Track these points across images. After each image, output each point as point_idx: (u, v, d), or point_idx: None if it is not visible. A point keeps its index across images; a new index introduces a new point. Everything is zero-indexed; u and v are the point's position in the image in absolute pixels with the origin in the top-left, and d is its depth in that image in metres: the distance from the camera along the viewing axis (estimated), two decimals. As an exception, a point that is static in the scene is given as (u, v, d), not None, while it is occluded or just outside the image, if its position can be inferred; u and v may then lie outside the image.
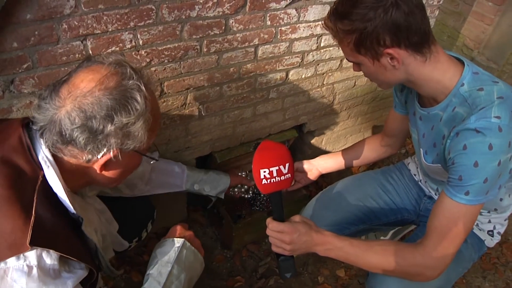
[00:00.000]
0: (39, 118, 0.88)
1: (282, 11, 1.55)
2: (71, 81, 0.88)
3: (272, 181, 1.19)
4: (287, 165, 1.20)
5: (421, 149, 1.35)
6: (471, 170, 1.05)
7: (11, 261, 0.80)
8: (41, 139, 0.90)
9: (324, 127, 2.22)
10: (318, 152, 2.37)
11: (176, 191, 1.66)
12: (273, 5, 1.50)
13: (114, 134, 0.87)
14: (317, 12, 1.64)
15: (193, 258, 1.19)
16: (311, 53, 1.78)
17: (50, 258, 0.85)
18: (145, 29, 1.29)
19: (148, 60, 1.37)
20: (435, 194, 1.53)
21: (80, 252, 0.94)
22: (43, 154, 0.90)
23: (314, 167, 1.69)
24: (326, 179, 2.37)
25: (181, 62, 1.46)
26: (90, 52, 1.24)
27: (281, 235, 1.18)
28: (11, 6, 1.02)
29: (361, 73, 1.21)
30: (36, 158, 0.89)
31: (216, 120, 1.74)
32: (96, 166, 0.93)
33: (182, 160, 1.76)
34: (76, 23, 1.16)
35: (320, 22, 1.68)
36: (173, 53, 1.41)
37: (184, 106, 1.59)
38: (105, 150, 0.89)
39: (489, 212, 1.40)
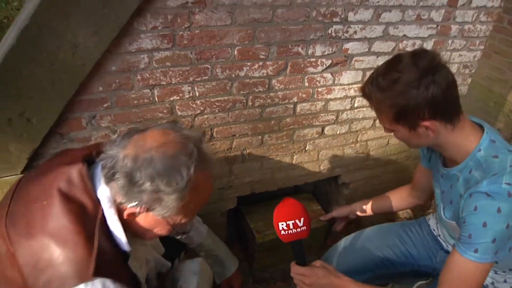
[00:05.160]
0: (108, 152, 0.98)
1: (319, 75, 1.81)
2: (145, 133, 0.99)
3: (289, 232, 1.35)
4: (302, 219, 1.36)
5: (441, 204, 1.47)
6: (480, 230, 1.14)
7: (81, 286, 0.90)
8: (102, 178, 1.00)
9: (359, 180, 2.39)
10: (353, 205, 2.53)
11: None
12: (310, 69, 1.77)
13: (147, 193, 0.94)
14: (351, 77, 1.89)
15: (209, 272, 1.46)
16: (345, 112, 2.01)
17: (112, 285, 0.94)
18: (201, 84, 1.60)
19: (202, 108, 1.66)
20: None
21: (129, 283, 1.03)
22: (104, 192, 0.99)
23: (354, 215, 1.88)
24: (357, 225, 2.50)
25: (229, 113, 1.74)
26: (156, 99, 1.55)
27: (302, 278, 1.32)
28: (103, 60, 1.36)
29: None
30: (95, 195, 0.99)
31: (257, 165, 1.98)
32: (125, 214, 1.00)
33: (224, 197, 2.01)
34: (148, 75, 1.48)
35: (353, 86, 1.92)
36: (223, 105, 1.70)
37: (229, 150, 1.86)
38: (134, 202, 0.96)
39: (504, 271, 1.46)
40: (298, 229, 1.36)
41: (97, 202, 0.98)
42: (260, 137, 1.89)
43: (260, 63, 1.66)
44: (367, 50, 1.84)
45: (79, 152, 1.09)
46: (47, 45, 1.23)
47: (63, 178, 0.99)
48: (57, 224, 0.92)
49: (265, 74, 1.70)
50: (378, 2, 1.71)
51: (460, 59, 2.17)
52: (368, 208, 1.87)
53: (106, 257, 0.94)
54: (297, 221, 1.36)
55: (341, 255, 1.77)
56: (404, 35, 1.89)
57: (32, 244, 0.91)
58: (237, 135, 1.83)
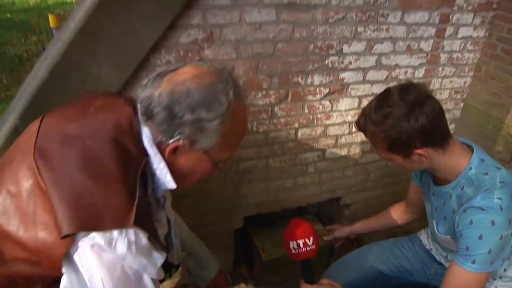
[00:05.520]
0: (141, 95, 0.98)
1: (318, 102, 1.97)
2: (176, 71, 0.99)
3: (299, 251, 1.48)
4: (311, 238, 1.49)
5: (434, 220, 1.58)
6: (477, 242, 1.24)
7: (115, 234, 0.87)
8: (145, 127, 0.97)
9: (360, 201, 2.51)
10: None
11: None
12: (310, 97, 1.93)
13: (189, 125, 0.93)
14: (348, 103, 2.04)
15: None
16: (344, 136, 2.15)
17: (144, 238, 0.92)
18: (210, 111, 1.75)
19: (210, 134, 1.81)
20: (445, 261, 1.73)
21: (155, 238, 1.00)
22: (148, 140, 0.97)
23: (353, 234, 2.01)
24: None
25: (236, 138, 1.88)
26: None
27: None
28: (123, 91, 1.52)
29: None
30: (142, 145, 0.97)
31: (262, 187, 2.11)
32: (166, 151, 0.98)
33: (232, 218, 2.13)
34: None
35: (350, 112, 2.07)
36: (230, 130, 1.85)
37: (237, 172, 2.00)
38: (176, 136, 0.95)
39: (494, 279, 1.55)
40: (308, 248, 1.48)
41: (142, 149, 0.97)
42: (264, 160, 2.03)
43: (264, 92, 1.81)
44: (362, 78, 2.00)
45: (118, 98, 1.06)
46: (74, 78, 1.39)
47: (111, 121, 0.96)
48: (100, 166, 0.89)
49: (268, 102, 1.85)
50: (370, 35, 1.88)
51: (451, 85, 2.32)
52: (366, 227, 1.99)
53: (142, 208, 0.92)
54: (307, 240, 1.48)
55: (339, 272, 1.87)
56: (396, 64, 2.05)
57: (68, 181, 0.87)
58: (244, 159, 1.97)
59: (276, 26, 1.66)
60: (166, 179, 1.01)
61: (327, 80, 1.92)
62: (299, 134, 2.03)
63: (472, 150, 1.40)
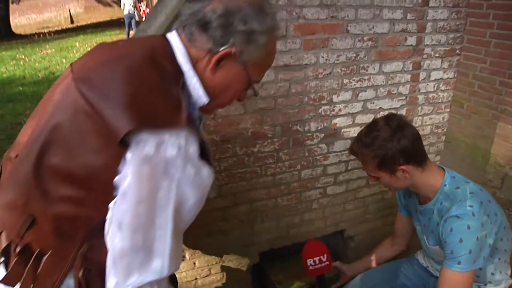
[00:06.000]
0: (185, 12, 1.02)
1: (316, 146, 2.27)
2: None
3: (316, 267, 1.73)
4: (325, 255, 1.76)
5: (424, 236, 1.82)
6: (458, 245, 1.46)
7: (167, 136, 0.88)
8: (181, 46, 1.02)
9: (362, 232, 2.74)
10: (361, 256, 2.84)
11: None
12: (308, 142, 2.23)
13: (241, 34, 0.99)
14: (342, 145, 2.34)
15: None
16: (341, 174, 2.44)
17: (194, 145, 0.92)
18: (225, 159, 2.04)
19: (226, 179, 2.09)
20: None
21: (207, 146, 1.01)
22: (184, 56, 1.01)
23: (351, 271, 2.18)
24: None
25: (248, 181, 2.17)
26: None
27: None
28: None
29: (386, 188, 1.74)
30: (178, 64, 1.00)
31: (273, 224, 2.37)
32: (212, 61, 1.01)
33: (248, 254, 2.37)
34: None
35: (345, 152, 2.37)
36: (242, 175, 2.13)
37: (250, 212, 2.26)
38: (228, 44, 0.99)
39: (485, 284, 1.75)
40: (323, 264, 1.76)
41: (178, 71, 1.00)
42: (274, 200, 2.30)
43: (269, 141, 2.12)
44: (351, 122, 2.31)
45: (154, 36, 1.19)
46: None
47: (145, 45, 1.01)
48: (143, 78, 0.92)
49: (273, 149, 2.15)
50: (354, 85, 2.21)
51: (431, 121, 2.63)
52: (362, 265, 2.19)
53: (188, 117, 0.93)
54: (321, 257, 1.77)
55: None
56: (380, 108, 2.37)
57: (116, 92, 0.88)
58: (256, 200, 2.24)
59: (275, 84, 1.99)
60: (199, 93, 1.03)
61: (322, 126, 2.23)
62: (302, 174, 2.31)
63: (444, 171, 1.67)
